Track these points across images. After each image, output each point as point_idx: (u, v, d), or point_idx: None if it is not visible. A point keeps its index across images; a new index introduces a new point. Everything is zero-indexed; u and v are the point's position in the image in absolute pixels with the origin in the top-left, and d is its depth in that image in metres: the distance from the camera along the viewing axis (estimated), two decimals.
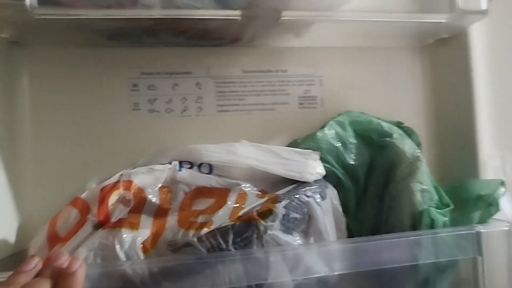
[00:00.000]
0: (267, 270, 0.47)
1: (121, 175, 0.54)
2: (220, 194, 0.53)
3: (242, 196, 0.53)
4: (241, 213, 0.51)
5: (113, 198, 0.51)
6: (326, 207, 0.55)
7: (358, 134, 0.65)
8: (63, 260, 0.40)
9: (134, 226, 0.50)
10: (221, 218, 0.50)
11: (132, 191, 0.52)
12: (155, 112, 0.67)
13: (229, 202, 0.52)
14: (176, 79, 0.68)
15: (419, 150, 0.62)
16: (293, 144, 0.67)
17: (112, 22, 0.53)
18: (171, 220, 0.51)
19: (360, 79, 0.74)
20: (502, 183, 0.59)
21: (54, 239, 0.50)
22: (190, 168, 0.56)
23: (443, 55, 0.74)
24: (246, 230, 0.48)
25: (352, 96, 0.73)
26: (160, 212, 0.52)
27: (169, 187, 0.55)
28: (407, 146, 0.61)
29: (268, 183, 0.57)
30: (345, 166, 0.63)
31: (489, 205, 0.58)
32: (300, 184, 0.55)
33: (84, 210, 0.51)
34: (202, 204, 0.53)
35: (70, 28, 0.56)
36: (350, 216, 0.62)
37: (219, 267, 0.46)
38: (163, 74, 0.68)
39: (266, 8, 0.55)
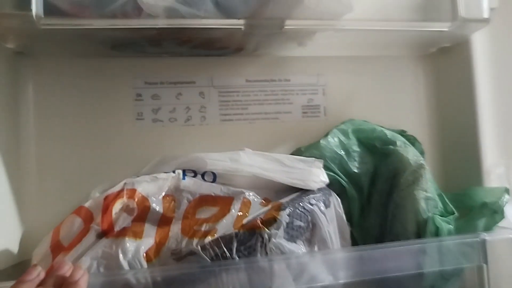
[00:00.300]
0: (271, 279, 0.47)
1: (125, 183, 0.54)
2: (223, 202, 0.53)
3: (246, 204, 0.53)
4: (245, 221, 0.50)
5: (116, 206, 0.51)
6: (330, 215, 0.55)
7: (362, 142, 0.65)
8: (66, 269, 0.40)
9: (137, 235, 0.50)
10: (225, 226, 0.50)
11: (136, 200, 0.52)
12: (159, 121, 0.68)
13: (232, 210, 0.52)
14: (180, 88, 0.69)
15: (422, 158, 0.61)
16: (297, 152, 0.67)
17: (117, 32, 0.54)
18: (175, 228, 0.51)
19: (363, 88, 0.74)
20: (507, 191, 0.59)
21: (58, 248, 0.50)
22: (194, 176, 0.56)
23: (446, 63, 0.74)
24: (250, 238, 0.48)
25: (355, 105, 0.73)
26: (163, 221, 0.52)
27: (173, 195, 0.55)
28: (410, 153, 0.61)
29: (272, 191, 0.57)
30: (348, 174, 0.63)
31: (494, 213, 0.58)
32: (303, 192, 0.55)
33: (88, 219, 0.51)
34: (206, 212, 0.52)
35: (75, 38, 0.56)
36: (354, 224, 0.62)
37: (223, 276, 0.46)
38: (166, 83, 0.68)
39: (269, 17, 0.55)
